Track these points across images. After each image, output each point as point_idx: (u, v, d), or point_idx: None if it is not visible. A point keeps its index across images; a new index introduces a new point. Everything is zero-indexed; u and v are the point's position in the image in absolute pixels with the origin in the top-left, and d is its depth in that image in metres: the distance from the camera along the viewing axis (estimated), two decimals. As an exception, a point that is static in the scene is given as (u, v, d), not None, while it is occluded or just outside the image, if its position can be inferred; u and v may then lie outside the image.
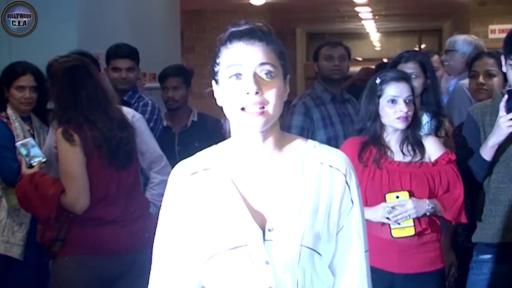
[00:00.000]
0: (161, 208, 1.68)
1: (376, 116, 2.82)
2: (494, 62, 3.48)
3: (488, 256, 2.83)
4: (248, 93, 1.55)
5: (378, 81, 2.84)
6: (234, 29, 1.65)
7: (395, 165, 2.78)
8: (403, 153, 2.80)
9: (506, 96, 2.65)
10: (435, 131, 3.17)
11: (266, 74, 1.58)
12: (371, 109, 2.83)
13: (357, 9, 12.98)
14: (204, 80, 4.34)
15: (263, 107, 1.56)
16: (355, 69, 13.53)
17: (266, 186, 1.62)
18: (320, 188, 1.63)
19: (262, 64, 1.58)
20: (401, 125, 2.78)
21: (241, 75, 1.58)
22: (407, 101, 2.77)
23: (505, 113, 2.63)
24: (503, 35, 2.82)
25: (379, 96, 2.81)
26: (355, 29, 16.50)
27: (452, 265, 3.17)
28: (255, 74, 1.57)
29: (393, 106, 2.78)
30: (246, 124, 1.58)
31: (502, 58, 2.75)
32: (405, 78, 2.83)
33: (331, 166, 1.65)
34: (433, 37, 17.20)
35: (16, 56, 3.53)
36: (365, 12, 13.59)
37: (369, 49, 18.08)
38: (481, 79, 3.49)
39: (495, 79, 3.47)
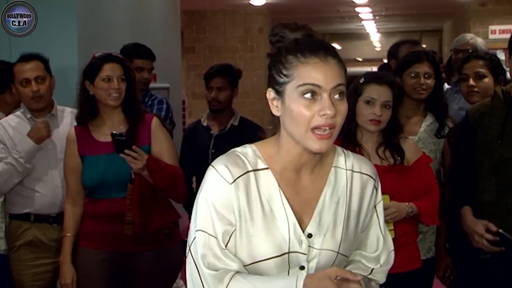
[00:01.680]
0: (201, 204, 1.62)
1: (353, 115, 2.80)
2: (483, 63, 3.47)
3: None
4: (324, 115, 1.53)
5: (361, 80, 2.84)
6: (297, 37, 1.63)
7: None
8: (380, 157, 2.79)
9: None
10: (439, 132, 3.16)
11: (339, 95, 1.56)
12: (349, 107, 2.82)
13: (357, 9, 12.99)
14: (203, 80, 4.28)
15: (333, 127, 1.56)
16: (355, 69, 13.57)
17: (305, 195, 1.65)
18: (351, 194, 1.69)
19: (339, 85, 1.56)
20: (371, 128, 2.76)
21: (317, 95, 1.54)
22: (385, 106, 2.75)
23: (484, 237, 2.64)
24: (503, 36, 2.83)
25: (358, 95, 2.79)
26: (355, 29, 16.52)
27: (447, 267, 3.16)
28: (330, 95, 1.55)
29: (368, 108, 2.76)
30: (313, 143, 1.56)
31: (505, 55, 2.74)
32: (388, 82, 2.80)
33: (361, 173, 1.71)
34: (433, 37, 17.22)
35: (16, 56, 3.50)
36: (365, 13, 13.60)
37: (369, 50, 18.10)
38: (471, 81, 3.48)
39: (485, 80, 3.46)
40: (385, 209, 2.63)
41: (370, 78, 2.84)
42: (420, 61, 3.24)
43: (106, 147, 3.04)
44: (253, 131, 3.65)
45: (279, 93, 1.59)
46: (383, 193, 2.65)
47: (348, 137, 2.79)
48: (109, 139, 3.04)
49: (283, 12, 12.83)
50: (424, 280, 3.01)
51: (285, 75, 1.57)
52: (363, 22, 15.34)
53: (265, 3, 11.54)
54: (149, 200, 3.01)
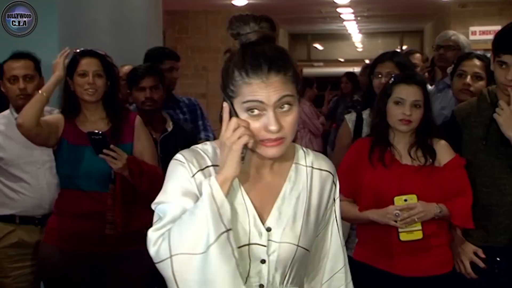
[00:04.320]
0: (169, 189, 1.66)
1: (383, 115, 2.83)
2: (482, 65, 3.47)
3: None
4: (269, 130, 1.59)
5: (391, 80, 2.86)
6: (255, 29, 1.67)
7: (404, 168, 2.79)
8: (411, 157, 2.80)
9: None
10: None
11: (283, 106, 1.62)
12: (380, 107, 2.85)
13: (339, 10, 13.02)
14: (187, 80, 4.37)
15: (283, 138, 1.62)
16: (337, 69, 13.59)
17: (265, 190, 1.71)
18: (311, 190, 1.75)
19: (281, 98, 1.60)
20: (402, 128, 2.79)
21: (262, 110, 1.60)
22: (415, 105, 2.77)
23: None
24: (484, 37, 2.85)
25: (388, 96, 2.82)
26: (337, 30, 16.55)
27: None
28: (274, 109, 1.60)
29: (397, 108, 2.78)
30: (265, 152, 1.64)
31: (491, 56, 2.76)
32: (417, 81, 2.82)
33: (320, 169, 1.78)
34: (414, 38, 17.29)
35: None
36: (347, 13, 13.63)
37: (351, 50, 18.14)
38: (468, 79, 3.48)
39: (481, 83, 3.45)
40: (411, 208, 2.67)
41: (399, 78, 2.86)
42: (381, 62, 3.31)
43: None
44: (189, 130, 3.71)
45: (232, 105, 1.64)
46: (411, 192, 2.69)
47: (379, 138, 2.81)
48: None
49: (265, 12, 12.62)
50: (456, 285, 2.88)
51: (232, 91, 1.63)
52: (344, 23, 15.38)
53: (247, 4, 11.53)
54: (131, 199, 2.99)
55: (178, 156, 1.69)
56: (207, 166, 1.68)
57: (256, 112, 1.60)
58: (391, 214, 2.69)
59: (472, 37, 11.06)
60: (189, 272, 1.55)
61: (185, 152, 1.70)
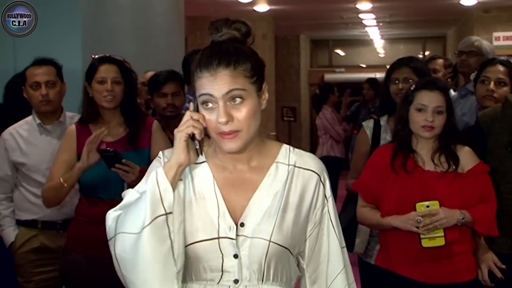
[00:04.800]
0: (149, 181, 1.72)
1: (406, 122, 2.81)
2: (506, 71, 3.44)
3: None
4: (219, 122, 1.67)
5: (412, 87, 2.84)
6: (230, 30, 1.78)
7: (427, 175, 2.77)
8: (434, 163, 2.78)
9: None
10: None
11: (234, 99, 1.68)
12: (402, 114, 2.84)
13: (361, 16, 12.98)
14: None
15: (237, 131, 1.68)
16: (359, 75, 13.56)
17: (242, 186, 1.76)
18: (290, 188, 1.77)
19: (229, 91, 1.67)
20: (425, 134, 2.77)
21: (214, 103, 1.68)
22: (438, 111, 2.75)
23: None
24: (508, 42, 2.82)
25: (410, 102, 2.81)
26: (359, 35, 16.50)
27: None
28: (224, 102, 1.67)
29: (420, 114, 2.77)
30: (223, 145, 1.71)
31: None
32: (439, 87, 2.80)
33: (304, 168, 1.79)
34: (437, 44, 17.18)
35: (20, 59, 3.51)
36: (369, 19, 13.59)
37: (373, 56, 18.06)
38: (492, 85, 3.44)
39: (505, 88, 3.41)
40: (433, 215, 2.65)
41: (421, 84, 2.84)
42: (398, 67, 3.27)
43: (108, 147, 3.03)
44: None
45: (195, 98, 1.73)
46: (433, 199, 2.67)
47: (402, 144, 2.79)
48: (110, 139, 3.05)
49: (287, 18, 12.84)
50: None
51: (193, 87, 1.73)
52: (366, 29, 15.33)
53: (269, 10, 11.54)
54: None
55: (160, 153, 1.80)
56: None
57: (210, 105, 1.68)
58: (413, 220, 2.67)
59: (495, 43, 10.96)
60: (125, 251, 1.67)
61: (167, 150, 1.80)
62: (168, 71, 3.86)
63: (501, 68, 3.45)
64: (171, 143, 3.27)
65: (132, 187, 2.89)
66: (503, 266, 2.74)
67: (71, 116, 3.48)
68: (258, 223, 1.72)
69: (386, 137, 3.30)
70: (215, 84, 1.66)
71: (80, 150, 3.06)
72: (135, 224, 1.66)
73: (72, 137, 3.11)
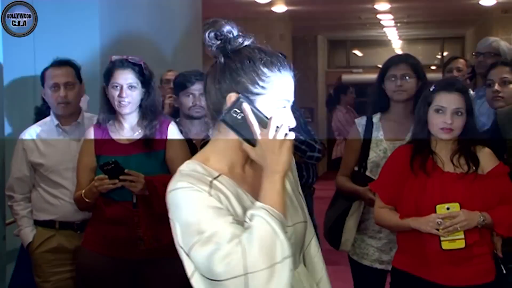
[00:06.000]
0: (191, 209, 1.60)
1: (424, 124, 2.79)
2: (510, 70, 3.47)
3: None
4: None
5: (431, 88, 2.82)
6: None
7: (447, 176, 2.75)
8: (454, 164, 2.76)
9: None
10: None
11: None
12: (420, 115, 2.82)
13: (379, 16, 12.93)
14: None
15: None
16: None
17: (257, 184, 1.64)
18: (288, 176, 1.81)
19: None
20: (444, 136, 2.75)
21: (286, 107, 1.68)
22: (457, 113, 2.73)
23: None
24: (526, 43, 2.79)
25: (429, 104, 2.79)
26: (377, 36, 16.43)
27: None
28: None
29: (438, 116, 2.75)
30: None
31: None
32: (458, 89, 2.78)
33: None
34: (455, 44, 17.07)
35: (40, 61, 3.53)
36: (387, 20, 13.53)
37: (391, 57, 17.96)
38: (496, 86, 3.46)
39: (511, 86, 3.46)
40: (454, 217, 2.63)
41: (440, 86, 2.82)
42: (395, 64, 3.25)
43: (125, 149, 3.05)
44: None
45: (251, 100, 1.63)
46: (453, 201, 2.65)
47: (421, 146, 2.78)
48: (126, 141, 3.06)
49: (304, 19, 12.81)
50: None
51: (261, 87, 1.63)
52: (384, 29, 15.27)
53: (287, 10, 11.53)
54: (158, 215, 2.99)
55: (178, 184, 1.63)
56: (211, 181, 1.64)
57: (282, 107, 1.67)
58: (433, 223, 2.65)
59: (515, 43, 10.87)
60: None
61: (181, 178, 1.65)
62: (195, 70, 3.83)
63: (503, 68, 3.49)
64: (188, 145, 3.29)
65: (139, 196, 2.93)
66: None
67: (90, 117, 3.49)
68: (289, 211, 1.71)
69: (378, 135, 3.29)
70: (292, 87, 1.70)
71: (99, 151, 3.08)
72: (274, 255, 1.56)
73: (90, 140, 3.12)
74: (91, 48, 4.33)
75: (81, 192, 3.08)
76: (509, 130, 2.82)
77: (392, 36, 16.71)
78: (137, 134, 3.11)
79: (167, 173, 3.07)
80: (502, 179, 2.75)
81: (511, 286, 2.81)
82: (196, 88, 3.63)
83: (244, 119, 1.61)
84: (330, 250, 3.26)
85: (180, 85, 3.74)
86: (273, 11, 11.47)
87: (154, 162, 3.05)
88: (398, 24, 14.42)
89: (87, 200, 3.06)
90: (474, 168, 2.74)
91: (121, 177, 2.91)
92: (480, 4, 10.84)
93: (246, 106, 1.61)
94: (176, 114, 3.90)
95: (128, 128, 3.13)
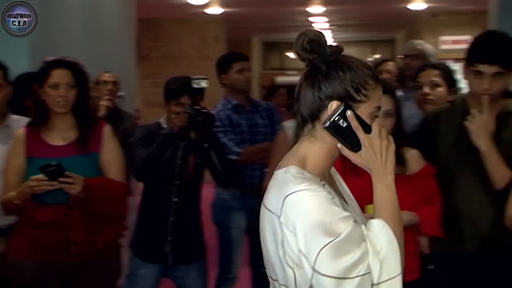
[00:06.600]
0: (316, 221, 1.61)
1: None
2: (439, 73, 3.56)
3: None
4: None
5: None
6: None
7: None
8: None
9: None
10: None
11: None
12: None
13: (312, 19, 13.08)
14: (159, 88, 4.27)
15: None
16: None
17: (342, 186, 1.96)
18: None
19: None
20: None
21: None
22: (387, 114, 2.74)
23: None
24: (455, 46, 2.88)
25: None
26: (311, 39, 16.61)
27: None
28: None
29: None
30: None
31: (461, 66, 2.79)
32: (388, 90, 2.77)
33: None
34: (386, 47, 17.45)
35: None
36: (320, 22, 13.70)
37: (324, 59, 18.21)
38: (426, 89, 3.55)
39: (440, 89, 3.54)
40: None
41: None
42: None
43: (58, 151, 2.99)
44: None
45: (351, 108, 1.68)
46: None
47: None
48: (60, 143, 3.00)
49: (239, 21, 12.84)
50: None
51: (364, 95, 1.69)
52: (318, 32, 15.47)
53: (222, 13, 11.54)
54: (92, 218, 2.96)
55: (299, 186, 1.63)
56: (324, 184, 1.71)
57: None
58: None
59: (443, 47, 11.18)
60: None
61: (295, 181, 1.65)
62: (183, 81, 3.62)
63: (433, 71, 3.57)
64: (120, 148, 3.23)
65: (77, 197, 2.87)
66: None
67: (18, 119, 3.40)
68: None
69: None
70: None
71: (30, 153, 3.00)
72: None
73: (20, 141, 3.05)
74: (19, 49, 4.22)
75: (9, 195, 3.00)
76: (437, 131, 2.89)
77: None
78: (72, 135, 3.06)
79: (101, 175, 3.03)
80: (429, 179, 2.81)
81: (437, 283, 2.87)
82: (185, 99, 3.50)
83: (348, 125, 1.67)
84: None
85: (172, 93, 3.56)
86: (208, 13, 11.46)
87: (88, 165, 3.00)
88: (332, 27, 14.63)
89: (17, 202, 2.97)
90: (402, 169, 2.80)
91: (60, 179, 2.85)
92: (409, 9, 11.10)
93: (351, 113, 1.67)
94: (111, 115, 3.83)
95: (62, 130, 3.07)
